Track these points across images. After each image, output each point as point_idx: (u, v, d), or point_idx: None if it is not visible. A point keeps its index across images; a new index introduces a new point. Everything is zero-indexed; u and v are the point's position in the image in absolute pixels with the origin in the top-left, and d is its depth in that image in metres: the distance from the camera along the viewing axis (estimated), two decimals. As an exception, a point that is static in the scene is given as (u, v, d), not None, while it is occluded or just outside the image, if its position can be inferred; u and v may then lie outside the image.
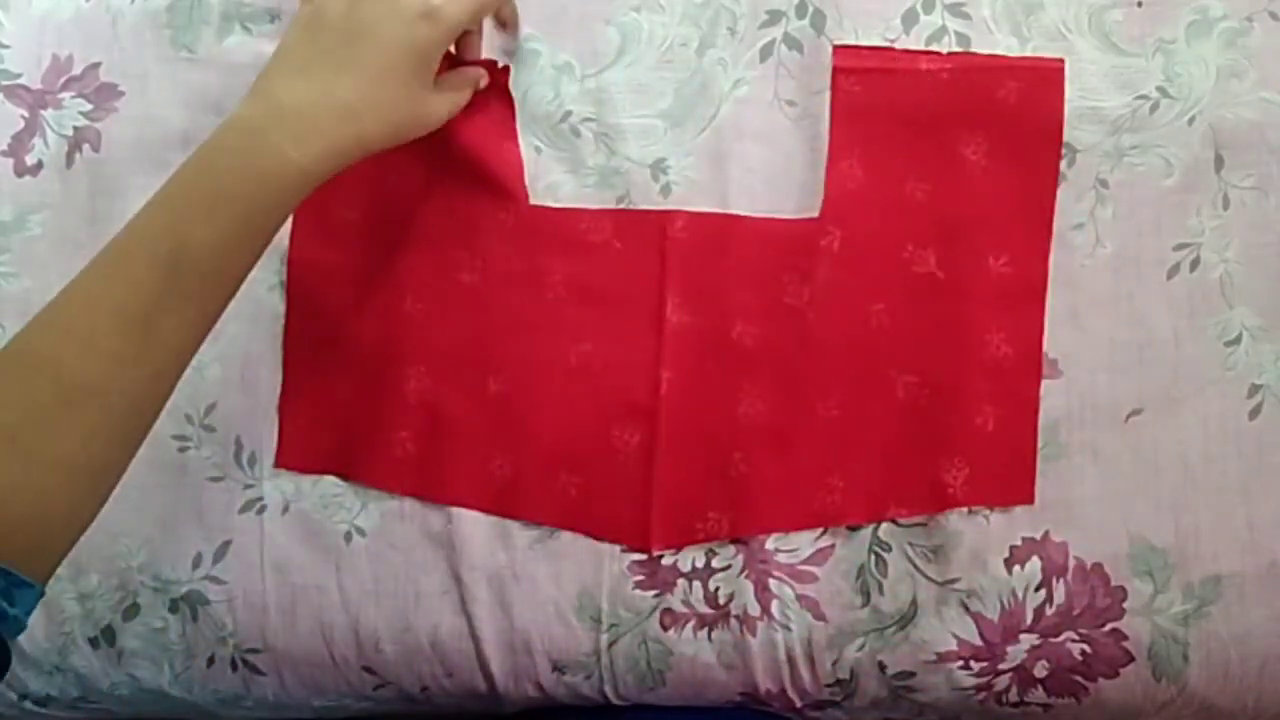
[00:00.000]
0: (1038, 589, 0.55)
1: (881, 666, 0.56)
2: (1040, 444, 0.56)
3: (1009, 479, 0.56)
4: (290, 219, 0.59)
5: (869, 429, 0.56)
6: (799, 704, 0.58)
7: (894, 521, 0.56)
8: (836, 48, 0.57)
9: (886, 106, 0.57)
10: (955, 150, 0.56)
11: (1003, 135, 0.56)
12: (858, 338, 0.56)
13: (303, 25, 0.50)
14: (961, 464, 0.56)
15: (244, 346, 0.59)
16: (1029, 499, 0.56)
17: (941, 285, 0.56)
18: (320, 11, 0.50)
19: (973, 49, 0.57)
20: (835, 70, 0.57)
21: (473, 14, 0.52)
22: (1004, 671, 0.56)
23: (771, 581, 0.56)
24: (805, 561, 0.56)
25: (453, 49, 0.55)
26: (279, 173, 0.47)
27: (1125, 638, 0.55)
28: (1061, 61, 0.56)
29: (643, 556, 0.57)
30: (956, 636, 0.55)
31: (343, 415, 0.58)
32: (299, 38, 0.50)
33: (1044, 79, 0.56)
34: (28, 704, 0.60)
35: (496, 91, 0.58)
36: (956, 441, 0.56)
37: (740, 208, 0.57)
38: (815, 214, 0.57)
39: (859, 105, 0.57)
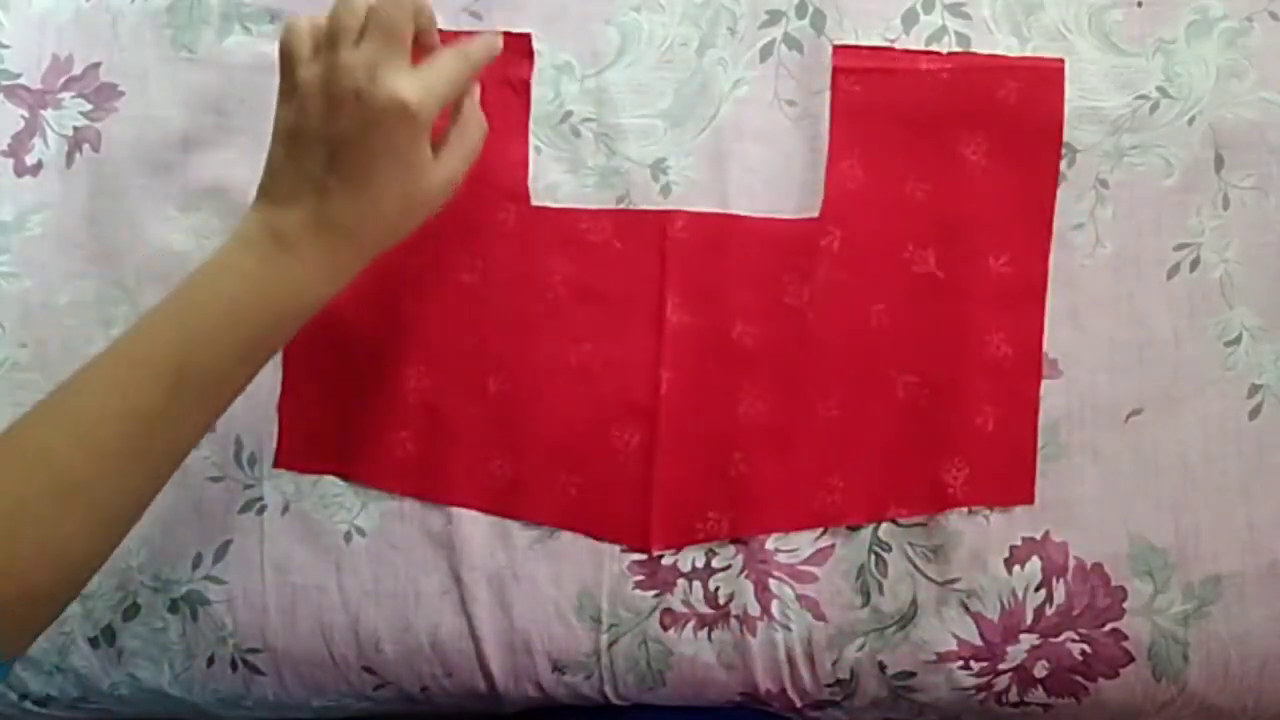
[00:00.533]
0: (1038, 589, 0.55)
1: (881, 666, 0.56)
2: (1040, 444, 0.56)
3: (1009, 479, 0.56)
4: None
5: (869, 429, 0.56)
6: (799, 704, 0.58)
7: (894, 521, 0.56)
8: (836, 48, 0.57)
9: (886, 106, 0.57)
10: (955, 150, 0.56)
11: (1003, 135, 0.56)
12: (858, 338, 0.57)
13: (284, 139, 0.48)
14: (961, 464, 0.56)
15: (244, 346, 0.59)
16: (1029, 499, 0.56)
17: (941, 285, 0.56)
18: (299, 126, 0.48)
19: (973, 49, 0.57)
20: (835, 70, 0.57)
21: (449, 98, 0.49)
22: (1004, 671, 0.56)
23: (771, 581, 0.56)
24: (805, 561, 0.56)
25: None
26: (287, 297, 0.48)
27: (1125, 638, 0.55)
28: (1061, 61, 0.56)
29: (643, 556, 0.57)
30: (956, 636, 0.55)
31: (343, 415, 0.58)
32: (283, 157, 0.48)
33: (1044, 79, 0.56)
34: (28, 704, 0.60)
35: (513, 90, 0.58)
36: (956, 441, 0.56)
37: (740, 208, 0.57)
38: (815, 214, 0.57)
39: (859, 105, 0.57)
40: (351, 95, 0.46)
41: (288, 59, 0.48)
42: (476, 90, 0.52)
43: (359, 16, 0.47)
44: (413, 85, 0.46)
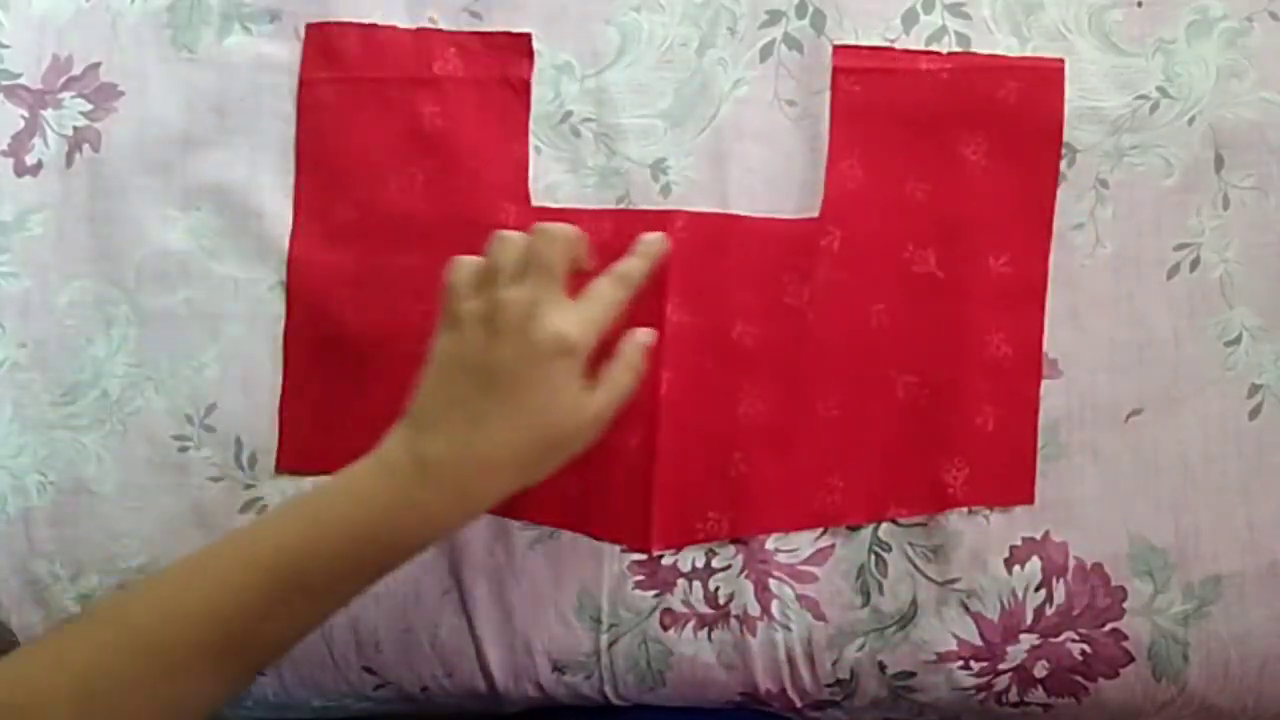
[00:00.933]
0: (1038, 589, 0.55)
1: (881, 666, 0.56)
2: (1040, 444, 0.56)
3: (1009, 479, 0.56)
4: (291, 219, 0.59)
5: (869, 429, 0.56)
6: (799, 704, 0.58)
7: (894, 521, 0.56)
8: (836, 48, 0.57)
9: (886, 106, 0.57)
10: (955, 150, 0.56)
11: (1003, 135, 0.56)
12: (858, 337, 0.56)
13: (441, 366, 0.49)
14: (961, 464, 0.56)
15: (244, 346, 0.59)
16: (1029, 499, 0.56)
17: (941, 285, 0.56)
18: (458, 355, 0.49)
19: (973, 49, 0.57)
20: (835, 70, 0.57)
21: (604, 327, 0.50)
22: (1004, 671, 0.56)
23: (771, 581, 0.56)
24: (805, 561, 0.56)
25: None
26: (415, 524, 0.47)
27: (1125, 638, 0.55)
28: (1061, 61, 0.56)
29: (643, 556, 0.57)
30: (956, 636, 0.55)
31: (343, 415, 0.58)
32: (438, 380, 0.49)
33: (1044, 79, 0.56)
34: (28, 704, 0.60)
35: (514, 90, 0.58)
36: (956, 441, 0.56)
37: (740, 208, 0.57)
38: (815, 214, 0.57)
39: (859, 105, 0.57)
40: (513, 330, 0.47)
41: (452, 292, 0.50)
42: (646, 335, 0.53)
43: (518, 253, 0.49)
44: (572, 321, 0.48)
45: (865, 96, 0.57)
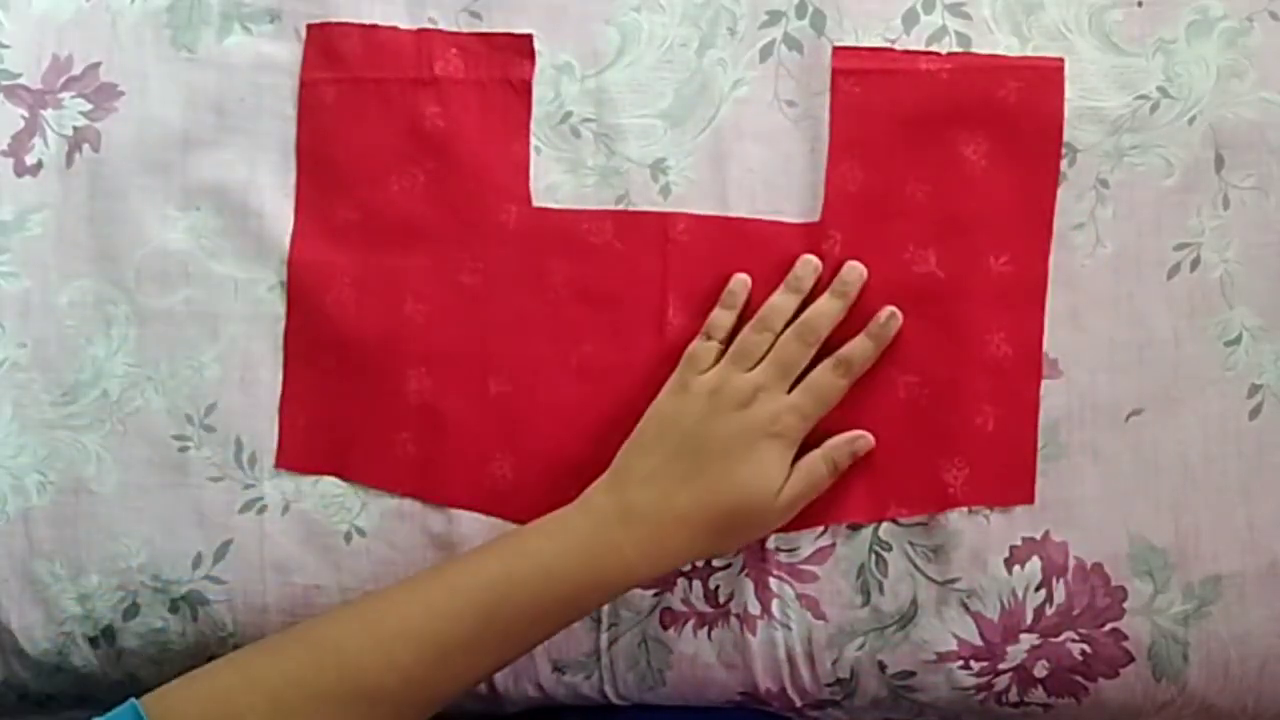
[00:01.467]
0: (1038, 589, 0.55)
1: (881, 666, 0.56)
2: (1040, 444, 0.56)
3: (1009, 479, 0.56)
4: (291, 219, 0.59)
5: (869, 429, 0.56)
6: (799, 703, 0.58)
7: (894, 521, 0.56)
8: (836, 48, 0.57)
9: (886, 107, 0.57)
10: (955, 150, 0.56)
11: (1003, 135, 0.56)
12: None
13: (661, 425, 0.53)
14: (962, 464, 0.56)
15: (244, 346, 0.59)
16: (1029, 499, 0.56)
17: (941, 285, 0.56)
18: (679, 415, 0.53)
19: (973, 49, 0.57)
20: (835, 71, 0.57)
21: (817, 417, 0.54)
22: (1004, 671, 0.56)
23: (771, 580, 0.56)
24: (805, 560, 0.56)
25: None
26: (611, 569, 0.50)
27: (1125, 638, 0.55)
28: (1061, 61, 0.56)
29: (643, 556, 0.57)
30: (956, 636, 0.56)
31: (343, 415, 0.58)
32: (654, 437, 0.53)
33: (1044, 79, 0.56)
34: (28, 704, 0.60)
35: (514, 90, 0.58)
36: (957, 441, 0.56)
37: (740, 208, 0.57)
38: (816, 215, 0.57)
39: (859, 106, 0.57)
40: (733, 407, 0.52)
41: (689, 361, 0.54)
42: (860, 442, 0.55)
43: (764, 347, 0.54)
44: (786, 408, 0.53)
45: (865, 97, 0.57)
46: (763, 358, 0.54)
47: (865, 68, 0.57)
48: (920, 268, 0.56)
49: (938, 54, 0.57)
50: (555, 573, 0.49)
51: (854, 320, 0.56)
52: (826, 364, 0.54)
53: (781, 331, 0.54)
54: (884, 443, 0.56)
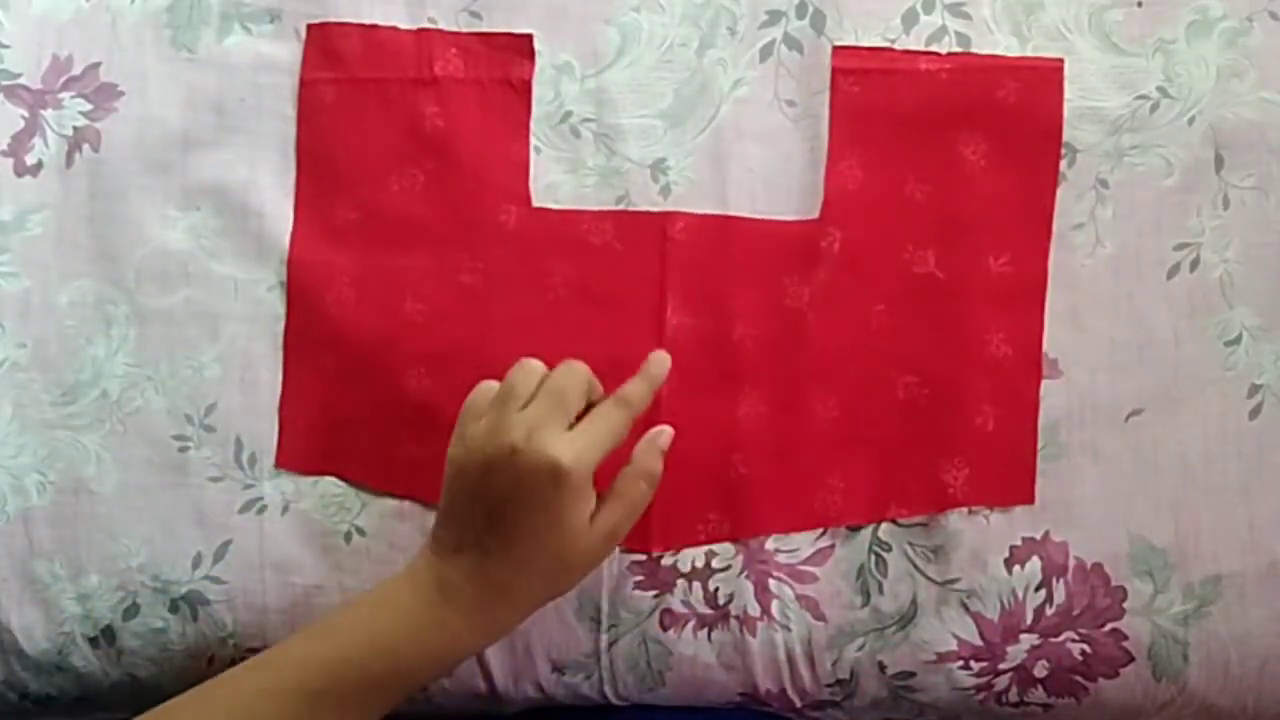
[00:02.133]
0: (1038, 589, 0.55)
1: (881, 666, 0.56)
2: (1040, 444, 0.56)
3: (1009, 479, 0.56)
4: (291, 219, 0.59)
5: (869, 429, 0.56)
6: (799, 704, 0.58)
7: (894, 521, 0.56)
8: (836, 48, 0.57)
9: (886, 107, 0.57)
10: (955, 150, 0.56)
11: (1002, 135, 0.56)
12: (858, 339, 0.57)
13: (450, 489, 0.49)
14: (961, 464, 0.56)
15: (244, 346, 0.59)
16: (1029, 499, 0.56)
17: (941, 285, 0.56)
18: (462, 481, 0.49)
19: (973, 49, 0.57)
20: (835, 70, 0.57)
21: (608, 451, 0.49)
22: (1004, 671, 0.56)
23: (771, 581, 0.56)
24: (805, 561, 0.56)
25: None
26: (440, 642, 0.48)
27: (1125, 638, 0.55)
28: (1061, 61, 0.56)
29: (642, 557, 0.57)
30: (956, 636, 0.55)
31: (343, 415, 0.58)
32: (450, 505, 0.49)
33: (1043, 79, 0.56)
34: (28, 704, 0.60)
35: (514, 90, 0.58)
36: (956, 441, 0.56)
37: (740, 208, 0.57)
38: (815, 214, 0.57)
39: (859, 105, 0.57)
40: (507, 452, 0.47)
41: (466, 412, 0.50)
42: (662, 437, 0.53)
43: (533, 382, 0.50)
44: (567, 446, 0.47)
45: (865, 97, 0.57)
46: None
47: (865, 67, 0.57)
48: (920, 268, 0.56)
49: (937, 54, 0.57)
50: (384, 651, 0.48)
51: (854, 321, 0.56)
52: (606, 400, 0.51)
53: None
54: (884, 443, 0.56)
